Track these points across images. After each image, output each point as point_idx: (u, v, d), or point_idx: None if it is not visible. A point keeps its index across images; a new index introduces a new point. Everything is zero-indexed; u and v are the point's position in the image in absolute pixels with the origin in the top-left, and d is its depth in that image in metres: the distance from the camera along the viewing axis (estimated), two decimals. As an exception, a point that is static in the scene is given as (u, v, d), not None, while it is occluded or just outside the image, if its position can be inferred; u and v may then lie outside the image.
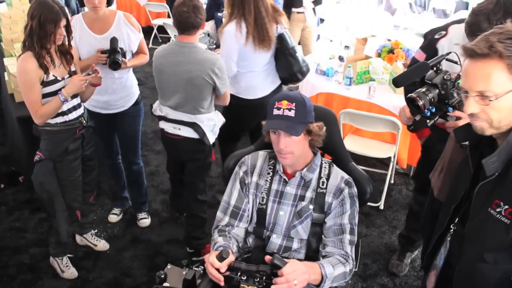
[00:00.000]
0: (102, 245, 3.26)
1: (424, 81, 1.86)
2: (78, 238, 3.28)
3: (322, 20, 7.45)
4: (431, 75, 1.85)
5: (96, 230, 3.37)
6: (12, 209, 3.67)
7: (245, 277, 1.66)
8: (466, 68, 1.35)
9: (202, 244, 3.12)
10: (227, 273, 1.67)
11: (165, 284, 1.74)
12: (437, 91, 1.82)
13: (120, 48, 2.86)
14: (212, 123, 2.83)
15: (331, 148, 2.09)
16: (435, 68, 1.86)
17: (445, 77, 1.82)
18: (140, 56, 3.12)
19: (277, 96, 1.85)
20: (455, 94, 1.83)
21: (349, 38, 6.05)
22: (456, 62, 1.89)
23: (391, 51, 4.18)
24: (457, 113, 1.84)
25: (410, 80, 1.91)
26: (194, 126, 2.77)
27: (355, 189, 1.93)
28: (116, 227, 3.50)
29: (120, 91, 3.06)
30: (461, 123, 1.80)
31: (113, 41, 2.84)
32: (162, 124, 2.89)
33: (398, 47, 4.19)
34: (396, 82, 1.93)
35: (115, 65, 2.81)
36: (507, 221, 1.34)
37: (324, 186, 1.91)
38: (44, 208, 3.51)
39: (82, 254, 3.22)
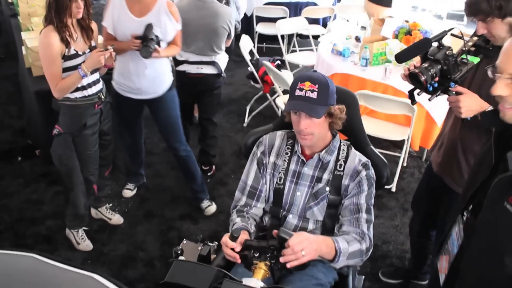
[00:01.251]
0: (116, 219, 3.32)
1: (427, 57, 1.87)
2: (93, 211, 3.34)
3: (338, 0, 7.36)
4: (433, 51, 1.86)
5: (110, 204, 3.43)
6: (29, 181, 3.74)
7: (258, 254, 1.69)
8: (507, 47, 1.31)
9: (214, 160, 3.93)
10: (243, 251, 1.70)
11: (181, 258, 1.77)
12: (439, 66, 1.83)
13: (155, 35, 2.79)
14: (225, 59, 3.67)
15: (351, 130, 2.07)
16: (437, 44, 1.87)
17: (447, 52, 1.83)
18: (173, 47, 3.02)
19: (300, 76, 1.84)
20: (462, 69, 1.84)
21: (366, 19, 5.98)
22: (460, 37, 1.91)
23: (408, 32, 4.13)
24: (459, 88, 1.85)
25: (412, 56, 1.93)
26: (214, 64, 3.48)
27: (372, 172, 1.92)
28: (130, 202, 3.55)
29: (152, 77, 2.99)
30: (462, 98, 1.82)
31: (148, 27, 2.77)
32: (184, 67, 3.46)
33: (416, 29, 4.13)
34: (398, 57, 1.94)
35: (146, 53, 2.75)
36: None
37: (342, 169, 1.91)
38: (61, 181, 3.58)
39: (97, 227, 3.28)
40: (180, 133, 3.26)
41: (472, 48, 1.94)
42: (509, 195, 1.32)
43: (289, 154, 1.98)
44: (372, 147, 2.13)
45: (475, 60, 1.95)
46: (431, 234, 2.56)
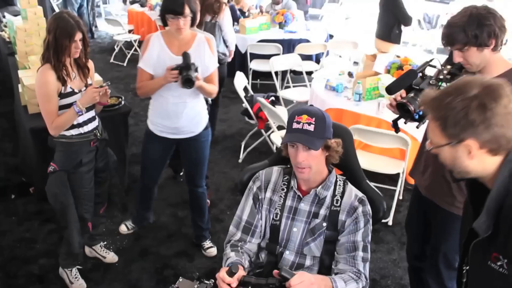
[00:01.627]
0: (111, 257, 3.27)
1: (411, 87, 2.00)
2: (87, 249, 3.29)
3: (331, 36, 7.52)
4: (417, 81, 2.01)
5: (105, 242, 3.38)
6: (22, 219, 3.70)
7: None
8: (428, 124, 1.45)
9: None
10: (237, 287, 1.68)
11: (177, 297, 1.74)
12: None
13: (193, 63, 2.64)
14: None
15: (346, 165, 2.09)
16: (420, 74, 2.01)
17: (430, 82, 1.99)
18: (211, 85, 2.90)
19: (297, 110, 1.86)
20: None
21: (358, 54, 6.09)
22: (435, 67, 2.08)
23: (400, 67, 4.22)
24: None
25: (401, 87, 2.04)
26: None
27: (368, 207, 1.92)
28: (125, 240, 3.51)
29: (190, 117, 2.93)
30: None
31: (186, 56, 2.63)
32: None
33: (407, 64, 4.22)
34: (390, 89, 2.05)
35: (188, 83, 2.60)
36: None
37: (338, 204, 1.91)
38: (54, 219, 3.56)
39: (91, 266, 3.23)
40: (205, 171, 3.25)
41: (448, 76, 2.05)
42: (490, 254, 1.35)
43: (285, 190, 1.97)
44: (367, 181, 2.14)
45: None
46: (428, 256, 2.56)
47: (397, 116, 2.13)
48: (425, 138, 2.38)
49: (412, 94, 1.98)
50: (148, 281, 3.11)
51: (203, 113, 3.05)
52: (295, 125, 1.81)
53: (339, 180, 1.97)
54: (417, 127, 2.04)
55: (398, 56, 4.51)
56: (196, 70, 2.66)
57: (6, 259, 3.25)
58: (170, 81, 2.69)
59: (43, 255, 3.31)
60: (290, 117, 1.85)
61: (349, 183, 1.99)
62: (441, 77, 2.01)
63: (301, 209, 1.94)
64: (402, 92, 2.03)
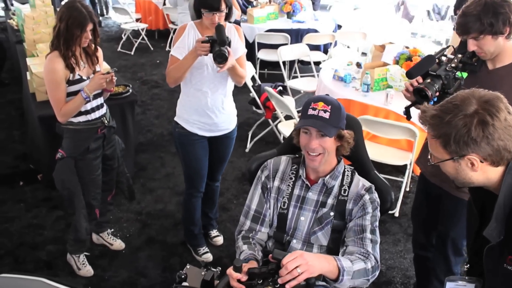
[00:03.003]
0: (118, 244, 3.30)
1: (428, 73, 2.01)
2: (94, 236, 3.32)
3: (339, 26, 7.47)
4: (434, 67, 2.01)
5: (112, 230, 3.41)
6: (31, 206, 3.73)
7: (261, 281, 1.67)
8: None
9: None
10: (247, 281, 1.69)
11: (184, 284, 1.75)
12: (440, 81, 1.97)
13: (226, 36, 2.45)
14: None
15: (355, 156, 2.09)
16: (437, 60, 2.03)
17: (447, 68, 2.00)
18: (242, 69, 2.76)
19: (313, 97, 1.86)
20: (455, 83, 2.01)
21: (366, 45, 6.05)
22: (446, 56, 2.10)
23: (409, 58, 4.18)
24: None
25: (422, 71, 2.05)
26: None
27: (376, 195, 1.92)
28: (132, 227, 3.53)
29: (227, 111, 2.86)
30: None
31: (220, 29, 2.42)
32: None
33: (416, 55, 4.18)
34: (410, 74, 2.06)
35: (220, 58, 2.41)
36: None
37: (346, 194, 1.91)
38: (62, 206, 3.59)
39: (98, 252, 3.25)
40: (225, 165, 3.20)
41: (460, 64, 2.07)
42: (505, 257, 1.36)
43: (293, 179, 1.98)
44: (376, 172, 2.14)
45: (464, 75, 2.12)
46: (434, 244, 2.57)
47: (410, 103, 2.14)
48: None
49: (428, 80, 1.99)
50: (154, 268, 3.13)
51: (234, 108, 2.97)
52: (310, 111, 1.81)
53: (347, 170, 1.98)
54: None
55: (407, 47, 4.47)
56: (229, 45, 2.48)
57: (14, 245, 3.29)
58: (200, 54, 2.50)
59: (51, 241, 3.34)
60: (306, 104, 1.84)
61: (356, 173, 1.99)
62: (453, 64, 2.02)
63: (309, 198, 1.94)
64: (419, 78, 2.05)
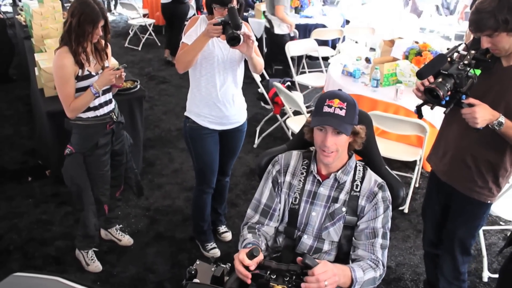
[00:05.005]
0: (126, 240, 3.29)
1: (439, 72, 1.95)
2: (103, 232, 3.32)
3: (347, 21, 7.42)
4: (446, 66, 1.95)
5: (121, 225, 3.40)
6: (39, 202, 3.74)
7: (275, 276, 1.65)
8: None
9: None
10: (256, 271, 1.66)
11: (195, 280, 1.74)
12: (452, 80, 1.91)
13: (241, 20, 2.37)
14: None
15: (366, 151, 2.06)
16: (449, 59, 1.97)
17: (459, 66, 1.93)
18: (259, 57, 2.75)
19: (328, 93, 1.83)
20: (468, 81, 1.94)
21: (375, 40, 6.01)
22: (458, 52, 2.05)
23: (419, 53, 4.14)
24: (471, 100, 1.92)
25: (433, 71, 1.98)
26: None
27: (388, 193, 1.90)
28: (140, 223, 3.53)
29: (237, 104, 2.83)
30: (477, 109, 1.88)
31: (233, 11, 2.33)
32: None
33: (426, 49, 4.13)
34: (421, 74, 1.98)
35: (233, 40, 2.35)
36: None
37: (358, 189, 1.89)
38: (70, 201, 3.59)
39: (106, 248, 3.25)
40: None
41: (472, 61, 2.01)
42: None
43: (304, 174, 1.96)
44: (386, 167, 2.11)
45: (477, 72, 2.05)
46: None
47: (422, 102, 2.09)
48: (444, 122, 2.36)
49: (440, 79, 1.92)
50: (163, 264, 3.13)
51: (244, 102, 2.95)
52: (326, 109, 1.77)
53: (359, 165, 1.95)
54: (445, 113, 2.01)
55: (416, 42, 4.43)
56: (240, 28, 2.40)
57: (23, 241, 3.29)
58: (212, 36, 2.45)
59: (59, 237, 3.34)
60: (320, 100, 1.81)
61: (368, 169, 1.96)
62: (466, 62, 1.96)
63: (320, 194, 1.92)
64: (430, 77, 2.00)
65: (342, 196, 1.89)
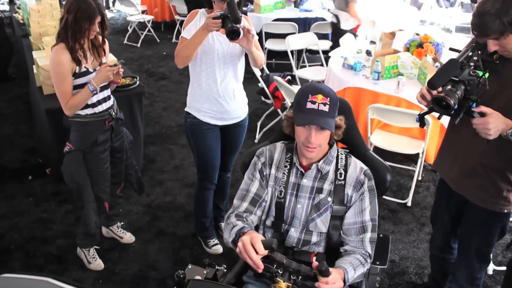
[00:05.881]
0: (128, 237, 3.28)
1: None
2: (104, 230, 3.30)
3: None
4: (456, 72, 1.78)
5: (122, 223, 3.38)
6: (40, 200, 3.72)
7: (282, 271, 1.62)
8: None
9: None
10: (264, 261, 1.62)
11: (197, 277, 1.70)
12: (463, 87, 1.76)
13: (240, 14, 2.35)
14: None
15: (349, 138, 2.04)
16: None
17: (471, 72, 1.78)
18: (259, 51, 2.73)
19: (309, 88, 1.78)
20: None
21: (375, 33, 5.96)
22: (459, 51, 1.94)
23: (420, 45, 4.10)
24: (483, 108, 1.79)
25: (446, 79, 1.80)
26: None
27: (373, 181, 1.90)
28: (142, 220, 3.51)
29: (238, 99, 2.81)
30: (490, 120, 1.75)
31: (232, 4, 2.28)
32: None
33: (428, 41, 4.09)
34: (433, 84, 1.80)
35: (233, 34, 2.33)
36: None
37: (342, 178, 1.87)
38: (71, 200, 3.57)
39: (108, 246, 3.24)
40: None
41: (478, 63, 1.86)
42: None
43: (288, 166, 1.94)
44: (371, 151, 2.10)
45: (486, 75, 1.86)
46: (453, 247, 2.49)
47: (426, 110, 1.94)
48: (450, 128, 2.22)
49: (449, 87, 1.75)
50: (165, 261, 3.11)
51: (245, 97, 2.92)
52: (309, 105, 1.74)
53: (341, 153, 1.94)
54: (456, 123, 1.83)
55: (417, 34, 4.39)
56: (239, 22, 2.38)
57: (24, 240, 3.28)
58: (211, 30, 2.42)
59: (60, 235, 3.32)
60: (302, 95, 1.77)
61: (352, 156, 1.95)
62: (472, 64, 1.84)
63: (304, 185, 1.90)
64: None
65: (327, 186, 1.88)
